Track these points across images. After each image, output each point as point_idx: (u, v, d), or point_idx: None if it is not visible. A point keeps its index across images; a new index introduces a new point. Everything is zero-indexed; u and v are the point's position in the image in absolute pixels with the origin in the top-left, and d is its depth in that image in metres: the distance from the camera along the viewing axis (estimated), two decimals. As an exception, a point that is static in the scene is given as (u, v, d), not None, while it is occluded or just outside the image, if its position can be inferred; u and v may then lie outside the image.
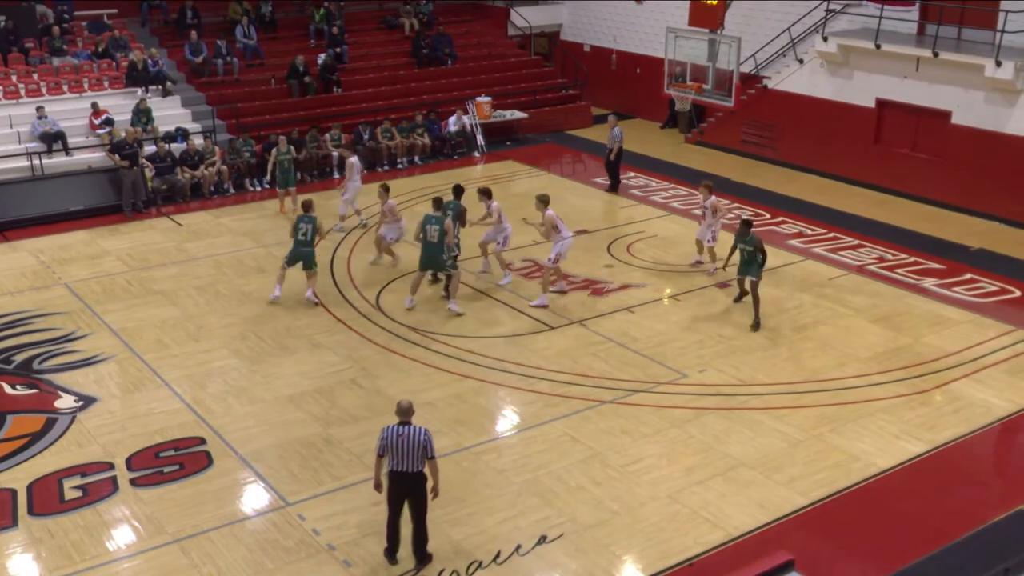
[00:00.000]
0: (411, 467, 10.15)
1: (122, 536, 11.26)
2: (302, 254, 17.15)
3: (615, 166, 23.59)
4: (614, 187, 23.66)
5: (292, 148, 23.08)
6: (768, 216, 21.89)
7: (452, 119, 27.11)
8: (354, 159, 21.14)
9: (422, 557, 10.64)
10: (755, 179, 24.65)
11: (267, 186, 23.49)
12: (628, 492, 11.97)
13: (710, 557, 10.82)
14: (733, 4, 25.40)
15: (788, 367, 15.14)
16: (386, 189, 18.73)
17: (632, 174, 25.07)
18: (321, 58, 27.95)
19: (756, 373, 14.91)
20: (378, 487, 10.54)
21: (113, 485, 12.20)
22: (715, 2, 23.42)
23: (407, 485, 10.26)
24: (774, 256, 19.39)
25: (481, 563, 10.69)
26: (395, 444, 10.11)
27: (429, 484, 10.38)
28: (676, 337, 16.08)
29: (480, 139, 27.46)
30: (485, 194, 18.12)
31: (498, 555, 10.82)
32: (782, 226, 21.30)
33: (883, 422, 13.54)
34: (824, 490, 12.01)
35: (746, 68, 25.85)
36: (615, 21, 32.25)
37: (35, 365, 15.24)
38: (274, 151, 22.52)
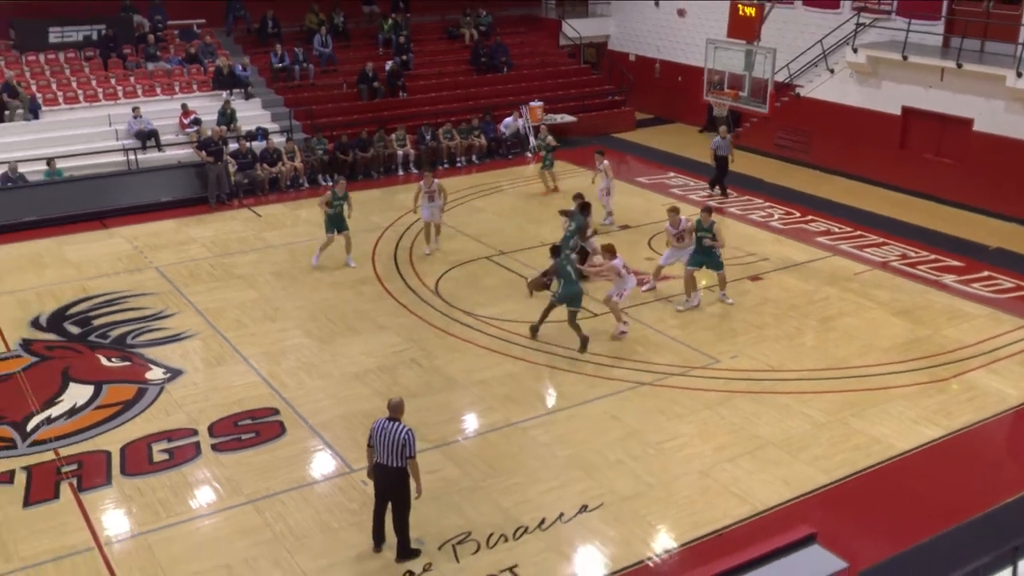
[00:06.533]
0: (391, 462, 9.74)
1: (204, 496, 11.42)
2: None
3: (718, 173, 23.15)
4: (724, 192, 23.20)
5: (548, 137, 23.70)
6: (798, 215, 21.64)
7: (508, 120, 27.08)
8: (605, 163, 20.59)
9: (404, 553, 10.15)
10: (787, 180, 24.36)
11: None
12: (663, 467, 11.93)
13: (738, 529, 10.74)
14: (769, 17, 25.08)
15: (814, 355, 14.96)
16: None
17: (672, 174, 24.93)
18: (389, 65, 28.06)
19: (784, 360, 14.76)
20: (369, 475, 10.19)
21: (196, 450, 12.36)
22: (752, 15, 23.12)
23: (388, 479, 9.86)
24: (802, 252, 19.23)
25: (527, 528, 10.71)
26: (379, 438, 9.78)
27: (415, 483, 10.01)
28: (710, 325, 15.96)
29: (532, 140, 27.41)
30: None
31: (543, 521, 10.84)
32: (811, 224, 21.04)
33: (902, 408, 13.34)
34: (845, 470, 11.87)
35: (780, 77, 25.50)
36: (659, 33, 32.01)
37: (128, 340, 15.49)
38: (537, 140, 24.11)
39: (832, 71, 25.62)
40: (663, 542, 10.55)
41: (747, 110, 24.87)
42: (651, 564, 10.22)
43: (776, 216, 21.62)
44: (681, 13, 31.06)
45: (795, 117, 26.40)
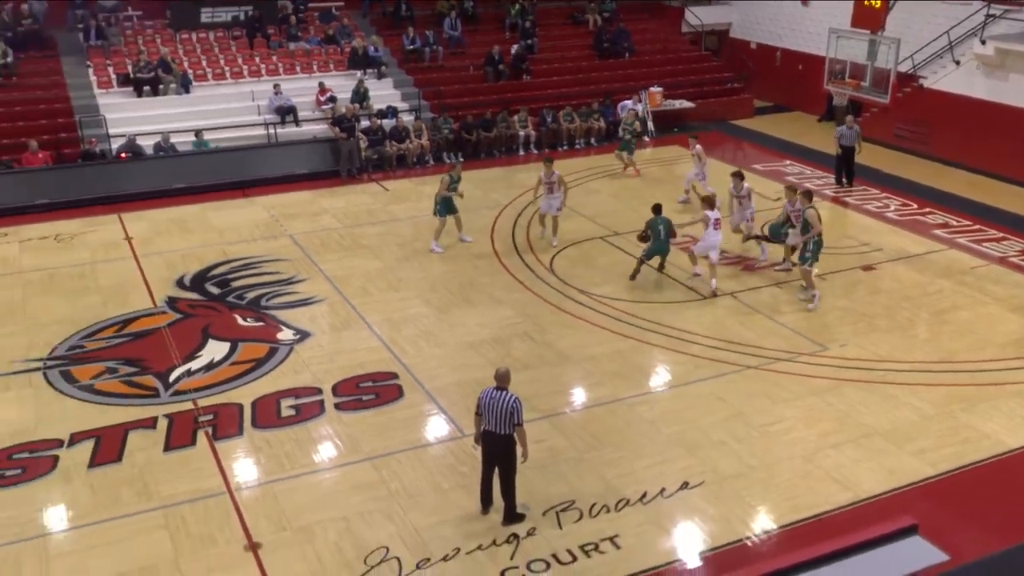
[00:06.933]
0: (500, 429, 9.82)
1: (325, 451, 11.73)
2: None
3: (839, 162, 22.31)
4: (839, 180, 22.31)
5: (635, 122, 23.95)
6: (915, 206, 20.81)
7: (627, 103, 26.78)
8: (698, 148, 20.67)
9: (510, 516, 10.24)
10: (906, 172, 23.41)
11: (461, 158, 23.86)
12: (766, 450, 11.70)
13: (838, 515, 10.46)
14: (894, 7, 24.14)
15: (926, 347, 14.40)
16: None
17: (788, 162, 24.31)
18: (514, 48, 28.10)
19: (894, 351, 14.25)
20: (477, 441, 10.27)
21: (320, 407, 12.69)
22: (878, 6, 22.28)
23: (496, 446, 9.95)
24: (917, 244, 18.51)
25: (629, 501, 10.68)
26: (487, 406, 9.85)
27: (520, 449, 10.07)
28: (820, 313, 15.52)
29: (650, 125, 27.09)
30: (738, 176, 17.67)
31: (644, 495, 10.78)
32: (929, 216, 20.21)
33: (1014, 405, 12.71)
34: (952, 463, 11.39)
35: (903, 68, 24.55)
36: (781, 21, 31.17)
37: (263, 302, 15.97)
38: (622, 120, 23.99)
39: (958, 63, 24.49)
40: (762, 523, 10.37)
41: (867, 100, 24.09)
42: (749, 543, 10.06)
43: (892, 207, 20.83)
44: (805, 2, 30.17)
45: (916, 108, 25.36)
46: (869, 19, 22.24)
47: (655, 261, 17.00)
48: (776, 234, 17.07)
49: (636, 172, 23.02)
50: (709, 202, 16.48)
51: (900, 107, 25.04)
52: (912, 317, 15.41)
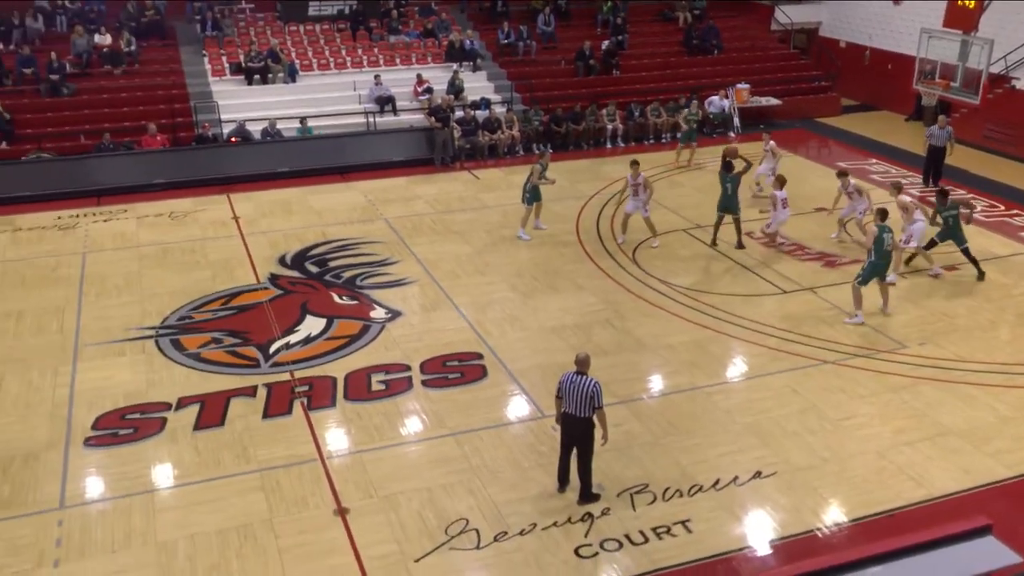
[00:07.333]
0: (579, 412, 9.81)
1: (412, 425, 11.88)
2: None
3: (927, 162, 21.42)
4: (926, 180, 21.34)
5: (699, 112, 24.57)
6: (1003, 208, 20.03)
7: (713, 99, 26.38)
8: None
9: (586, 496, 10.25)
10: (994, 173, 22.53)
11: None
12: (839, 444, 11.45)
13: (910, 512, 10.18)
14: (990, 7, 23.18)
15: (1008, 349, 13.87)
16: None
17: (873, 160, 23.63)
18: (605, 44, 27.91)
19: (975, 351, 13.77)
20: (557, 422, 10.27)
21: (408, 383, 12.85)
22: (972, 6, 21.44)
23: (575, 428, 9.95)
24: (1003, 246, 17.83)
25: (702, 487, 10.58)
26: (568, 390, 9.83)
27: (600, 432, 10.03)
28: (900, 311, 15.10)
29: (736, 121, 26.64)
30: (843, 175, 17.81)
31: (717, 482, 10.67)
32: (1016, 218, 19.43)
33: (1098, 410, 12.21)
34: (1030, 466, 11.02)
35: (996, 68, 23.60)
36: (872, 20, 30.26)
37: (357, 282, 16.24)
38: (685, 111, 24.31)
39: (1053, 65, 23.47)
40: (833, 515, 10.16)
41: (957, 100, 23.24)
42: (819, 535, 9.88)
43: (979, 208, 20.06)
44: (897, 1, 29.22)
45: (1007, 110, 24.38)
46: (962, 19, 21.44)
47: (734, 239, 17.27)
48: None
49: (688, 163, 23.00)
50: (780, 181, 17.32)
51: (990, 108, 24.09)
52: (994, 319, 14.87)
